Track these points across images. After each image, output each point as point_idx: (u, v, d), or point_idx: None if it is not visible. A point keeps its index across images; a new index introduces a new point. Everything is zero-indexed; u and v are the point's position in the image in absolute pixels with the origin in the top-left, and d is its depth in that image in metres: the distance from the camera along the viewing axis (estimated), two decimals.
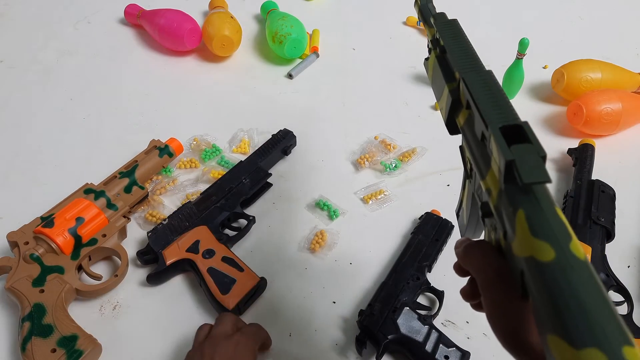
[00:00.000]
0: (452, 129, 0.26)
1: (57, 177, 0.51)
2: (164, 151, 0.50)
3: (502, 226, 0.20)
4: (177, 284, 0.42)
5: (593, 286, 0.16)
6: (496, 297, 0.20)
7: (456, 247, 0.24)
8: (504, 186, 0.20)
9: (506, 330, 0.20)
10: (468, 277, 0.24)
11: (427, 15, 0.32)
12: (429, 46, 0.30)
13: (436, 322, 0.39)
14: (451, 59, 0.26)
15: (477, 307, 0.23)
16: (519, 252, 0.18)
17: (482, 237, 0.25)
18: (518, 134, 0.20)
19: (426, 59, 0.31)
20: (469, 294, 0.23)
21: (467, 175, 0.26)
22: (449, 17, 0.29)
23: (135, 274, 0.43)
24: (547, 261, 0.17)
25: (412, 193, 0.50)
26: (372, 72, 0.66)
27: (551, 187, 0.51)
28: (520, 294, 0.19)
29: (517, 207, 0.19)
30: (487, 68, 0.24)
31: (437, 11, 0.31)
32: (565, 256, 0.17)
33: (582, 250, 0.17)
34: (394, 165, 0.52)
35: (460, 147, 0.25)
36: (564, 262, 0.17)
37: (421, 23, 0.33)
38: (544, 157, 0.19)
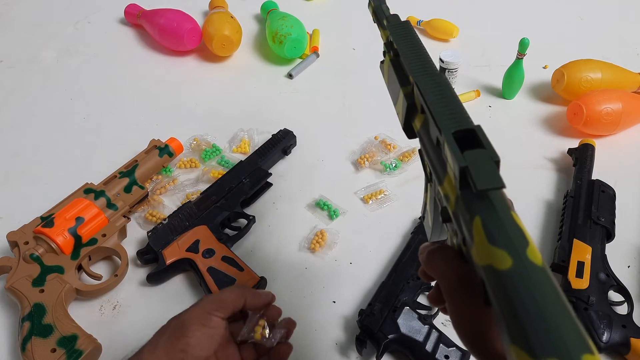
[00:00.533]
0: (410, 133, 0.26)
1: (57, 176, 0.51)
2: (164, 151, 0.50)
3: (461, 232, 0.20)
4: (177, 284, 0.42)
5: (551, 294, 0.16)
6: (459, 303, 0.20)
7: (420, 253, 0.24)
8: (460, 192, 0.19)
9: (471, 336, 0.20)
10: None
11: (381, 16, 0.31)
12: (384, 49, 0.30)
13: (436, 322, 0.39)
14: (404, 63, 0.25)
15: (444, 311, 0.23)
16: (477, 260, 0.18)
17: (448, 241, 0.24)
18: (472, 138, 0.19)
19: (382, 62, 0.31)
20: (435, 298, 0.23)
21: (428, 179, 0.25)
22: (402, 19, 0.29)
23: (135, 274, 0.43)
24: (505, 269, 0.17)
25: (412, 193, 0.50)
26: (372, 71, 0.66)
27: (552, 187, 0.51)
28: (484, 302, 0.18)
29: (474, 214, 0.18)
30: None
31: (396, 13, 0.30)
32: (522, 263, 0.16)
33: (539, 255, 0.17)
34: (394, 165, 0.52)
35: (419, 150, 0.25)
36: (521, 270, 0.16)
37: (377, 24, 0.33)
38: (497, 162, 0.19)
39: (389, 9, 0.32)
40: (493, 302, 0.17)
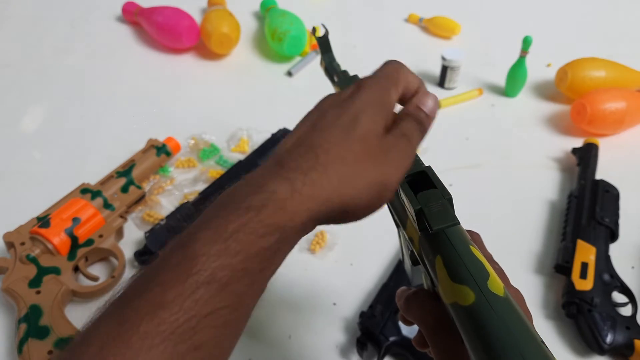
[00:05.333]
0: None
1: (53, 176, 0.51)
2: (161, 150, 0.50)
3: (428, 273, 0.21)
4: None
5: (514, 321, 0.16)
6: (440, 345, 0.20)
7: (397, 299, 0.24)
8: (420, 234, 0.20)
9: None
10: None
11: (332, 73, 0.33)
12: None
13: None
14: None
15: (432, 353, 0.23)
16: (445, 298, 0.19)
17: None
18: (424, 180, 0.21)
19: None
20: (419, 342, 0.23)
21: (397, 225, 0.26)
22: (363, 72, 0.30)
23: None
24: (468, 305, 0.17)
25: None
26: (373, 69, 0.66)
27: (555, 187, 0.51)
28: (460, 340, 0.19)
29: (435, 253, 0.19)
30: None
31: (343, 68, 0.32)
32: (483, 296, 0.17)
33: (501, 285, 0.18)
34: None
35: None
36: (483, 303, 0.17)
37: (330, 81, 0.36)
38: (449, 199, 0.19)
39: (339, 65, 0.34)
40: (463, 337, 0.18)
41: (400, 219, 0.24)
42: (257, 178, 0.19)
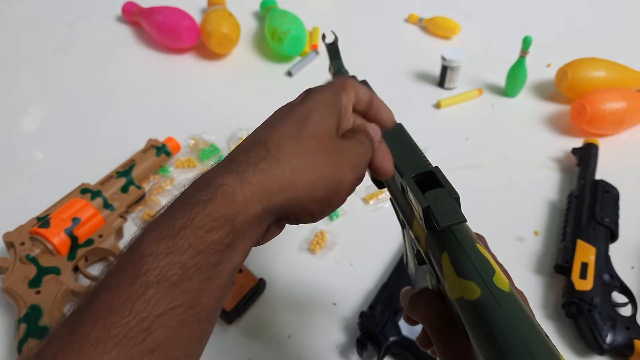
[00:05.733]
0: (378, 183, 0.27)
1: (53, 176, 0.51)
2: (161, 150, 0.50)
3: (434, 271, 0.21)
4: None
5: (520, 316, 0.17)
6: (445, 343, 0.21)
7: (402, 299, 0.24)
8: (427, 232, 0.21)
9: None
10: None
11: None
12: None
13: None
14: None
15: (435, 353, 0.23)
16: (450, 294, 0.19)
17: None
18: (432, 180, 0.21)
19: None
20: (423, 342, 0.23)
21: (402, 225, 0.27)
22: (362, 78, 0.31)
23: None
24: (474, 299, 0.17)
25: None
26: (373, 69, 0.66)
27: (555, 187, 0.50)
28: (465, 336, 0.19)
29: (442, 250, 0.20)
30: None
31: (354, 74, 0.33)
32: (489, 292, 0.17)
33: (507, 281, 0.18)
34: None
35: (390, 199, 0.27)
36: (489, 298, 0.17)
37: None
38: (456, 198, 0.20)
39: (347, 71, 0.35)
40: (468, 332, 0.18)
41: (406, 219, 0.24)
42: (207, 175, 0.19)
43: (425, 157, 0.24)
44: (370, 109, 0.24)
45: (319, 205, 0.20)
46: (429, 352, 0.24)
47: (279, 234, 0.22)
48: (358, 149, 0.21)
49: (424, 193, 0.20)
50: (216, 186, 0.18)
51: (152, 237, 0.17)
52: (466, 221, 0.19)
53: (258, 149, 0.19)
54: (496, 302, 0.17)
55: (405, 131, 0.26)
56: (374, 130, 0.23)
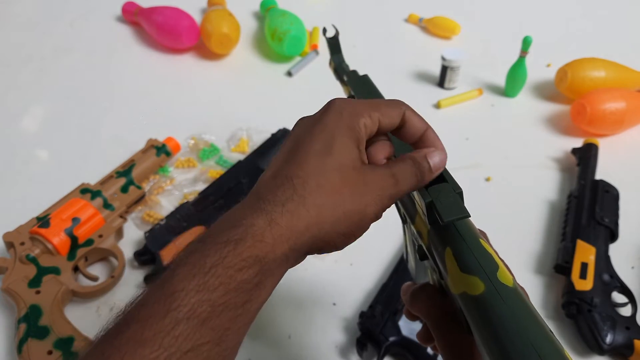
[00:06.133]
0: None
1: (53, 176, 0.51)
2: (161, 150, 0.50)
3: (437, 266, 0.21)
4: None
5: (523, 311, 0.17)
6: (446, 338, 0.21)
7: (403, 294, 0.24)
8: (430, 227, 0.21)
9: None
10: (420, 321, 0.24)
11: (342, 74, 0.33)
12: None
13: None
14: None
15: (435, 349, 0.23)
16: (453, 289, 0.19)
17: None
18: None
19: None
20: (424, 337, 0.23)
21: (403, 221, 0.27)
22: (362, 72, 0.31)
23: (133, 275, 0.42)
24: (478, 294, 0.17)
25: None
26: (373, 70, 0.65)
27: (555, 187, 0.50)
28: (466, 331, 0.19)
29: (445, 245, 0.20)
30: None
31: (353, 68, 0.32)
32: (493, 286, 0.17)
33: (510, 277, 0.18)
34: None
35: None
36: (493, 292, 0.17)
37: (339, 82, 0.36)
38: (460, 193, 0.20)
39: (348, 66, 0.34)
40: (472, 326, 0.18)
41: (409, 214, 0.24)
42: (236, 213, 0.19)
43: None
44: (428, 148, 0.21)
45: (343, 237, 0.20)
46: (429, 347, 0.24)
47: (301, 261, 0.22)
48: (387, 183, 0.20)
49: (427, 188, 0.20)
50: (246, 227, 0.18)
51: (184, 274, 0.17)
52: (470, 216, 0.19)
53: (284, 187, 0.19)
54: (500, 297, 0.17)
55: None
56: (437, 156, 0.21)
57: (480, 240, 0.19)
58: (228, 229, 0.18)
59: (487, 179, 0.50)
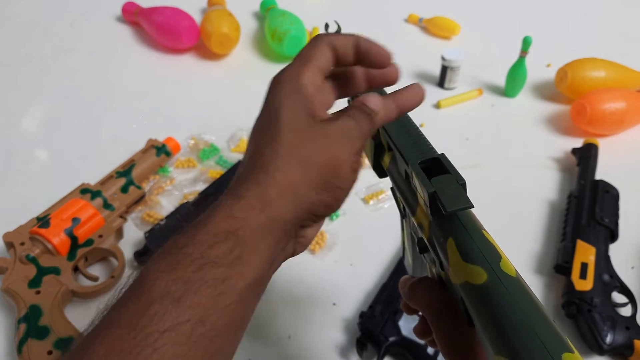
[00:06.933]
0: (380, 172, 0.27)
1: (53, 176, 0.51)
2: (161, 150, 0.50)
3: (437, 258, 0.21)
4: None
5: (526, 300, 0.17)
6: (445, 329, 0.21)
7: (401, 287, 0.24)
8: (432, 218, 0.21)
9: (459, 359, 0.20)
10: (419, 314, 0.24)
11: None
12: (348, 98, 0.32)
13: None
14: None
15: (432, 343, 0.23)
16: (455, 279, 0.19)
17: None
18: (438, 166, 0.21)
19: None
20: (421, 331, 0.23)
21: (402, 215, 0.27)
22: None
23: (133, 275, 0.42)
24: (481, 283, 0.17)
25: None
26: None
27: (555, 187, 0.50)
28: (467, 323, 0.19)
29: (447, 236, 0.20)
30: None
31: None
32: (496, 276, 0.17)
33: (513, 267, 0.18)
34: None
35: (392, 188, 0.26)
36: (496, 282, 0.17)
37: None
38: (463, 184, 0.20)
39: None
40: (473, 317, 0.18)
41: (409, 206, 0.24)
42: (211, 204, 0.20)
43: (430, 144, 0.23)
44: (359, 55, 0.22)
45: (326, 193, 0.20)
46: (428, 345, 0.23)
47: (315, 233, 0.22)
48: (345, 124, 0.21)
49: (429, 179, 0.20)
50: (215, 207, 0.19)
51: (157, 258, 0.17)
52: (473, 207, 0.19)
53: (247, 167, 0.20)
54: (503, 286, 0.17)
55: (410, 118, 0.25)
56: (371, 99, 0.22)
57: (483, 230, 0.19)
58: (199, 216, 0.19)
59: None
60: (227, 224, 0.18)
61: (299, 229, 0.21)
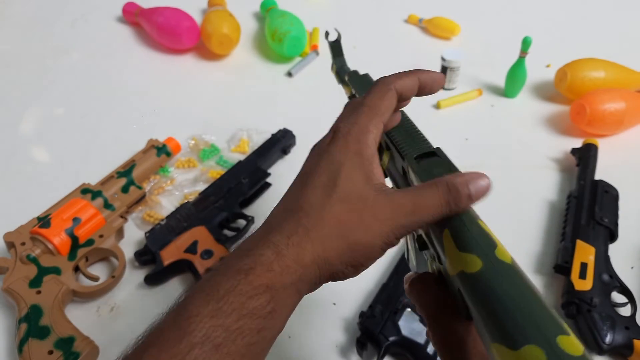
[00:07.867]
0: None
1: (54, 177, 0.51)
2: (161, 151, 0.50)
3: (436, 252, 0.21)
4: (175, 286, 0.42)
5: (521, 286, 0.17)
6: (439, 330, 0.21)
7: (405, 283, 0.24)
8: None
9: (455, 357, 0.20)
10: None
11: (343, 75, 0.34)
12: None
13: None
14: None
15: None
16: (451, 271, 0.19)
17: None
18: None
19: None
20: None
21: None
22: (362, 71, 0.32)
23: (133, 275, 0.42)
24: (476, 271, 0.17)
25: None
26: (373, 70, 0.65)
27: (554, 187, 0.51)
28: (464, 317, 0.19)
29: (443, 228, 0.20)
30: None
31: (355, 69, 0.33)
32: (491, 263, 0.17)
33: (509, 254, 0.18)
34: None
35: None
36: (491, 269, 0.17)
37: (341, 85, 0.37)
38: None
39: (349, 69, 0.35)
40: (470, 307, 0.18)
41: None
42: (248, 243, 0.20)
43: (426, 138, 0.23)
44: (418, 90, 0.22)
45: (352, 268, 0.21)
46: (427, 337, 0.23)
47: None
48: (398, 209, 0.19)
49: (419, 164, 0.21)
50: (256, 256, 0.19)
51: (199, 300, 0.18)
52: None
53: (290, 220, 0.20)
54: (499, 273, 0.17)
55: (406, 115, 0.26)
56: (481, 186, 0.19)
57: (479, 220, 0.19)
58: (240, 258, 0.19)
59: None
60: (266, 277, 0.19)
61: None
